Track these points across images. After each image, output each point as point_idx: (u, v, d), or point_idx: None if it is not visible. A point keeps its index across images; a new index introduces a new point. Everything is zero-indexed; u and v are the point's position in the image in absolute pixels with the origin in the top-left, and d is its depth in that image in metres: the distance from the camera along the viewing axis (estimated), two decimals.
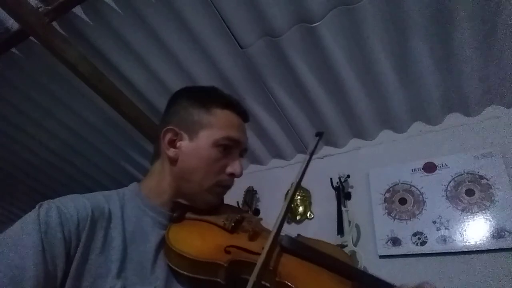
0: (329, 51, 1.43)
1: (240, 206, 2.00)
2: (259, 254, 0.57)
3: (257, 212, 2.01)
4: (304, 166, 0.73)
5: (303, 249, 0.63)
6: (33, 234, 0.54)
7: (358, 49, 1.43)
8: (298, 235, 0.78)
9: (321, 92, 1.64)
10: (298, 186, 0.71)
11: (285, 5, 1.31)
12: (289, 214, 1.92)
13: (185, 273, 0.61)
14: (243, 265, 0.60)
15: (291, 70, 1.55)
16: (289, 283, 0.57)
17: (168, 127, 0.73)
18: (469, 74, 1.45)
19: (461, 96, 1.56)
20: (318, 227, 1.82)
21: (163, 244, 0.66)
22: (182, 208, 0.72)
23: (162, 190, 0.73)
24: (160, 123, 0.78)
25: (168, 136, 0.73)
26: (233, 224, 0.69)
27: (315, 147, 0.79)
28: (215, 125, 0.72)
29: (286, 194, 1.97)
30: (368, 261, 1.56)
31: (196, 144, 0.71)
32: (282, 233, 0.65)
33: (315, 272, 0.61)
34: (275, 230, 0.60)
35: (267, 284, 0.58)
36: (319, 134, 0.83)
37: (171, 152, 0.72)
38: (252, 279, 0.51)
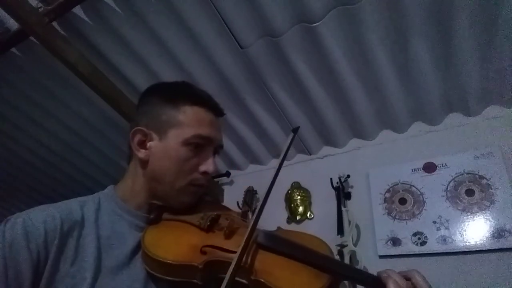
0: (329, 51, 1.43)
1: (240, 206, 2.00)
2: (234, 252, 0.57)
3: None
4: (278, 164, 0.72)
5: (280, 245, 0.62)
6: None
7: (358, 49, 1.43)
8: (278, 228, 0.77)
9: (321, 92, 1.64)
10: (273, 182, 0.70)
11: (285, 5, 1.31)
12: (289, 214, 1.92)
13: (162, 276, 0.61)
14: (220, 264, 0.60)
15: (291, 70, 1.55)
16: (264, 281, 0.57)
17: (136, 128, 0.71)
18: (469, 74, 1.45)
19: (461, 96, 1.56)
20: (318, 227, 1.82)
21: (140, 246, 0.65)
22: (158, 209, 0.71)
23: (136, 192, 0.72)
24: (130, 124, 0.76)
25: (137, 137, 0.71)
26: (208, 223, 0.68)
27: (291, 142, 0.76)
28: (184, 123, 0.70)
29: (286, 194, 1.97)
30: (368, 261, 1.56)
31: (166, 144, 0.70)
32: (263, 228, 0.64)
33: (292, 267, 0.61)
34: (249, 228, 0.59)
35: (244, 281, 0.58)
36: (295, 130, 0.81)
37: (141, 153, 0.71)
38: (226, 278, 0.51)
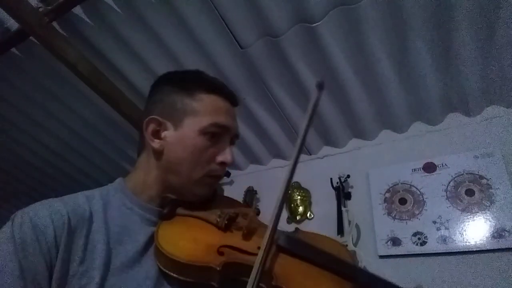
0: (329, 51, 1.43)
1: None
2: (254, 254, 0.54)
3: (257, 212, 2.01)
4: (303, 132, 0.60)
5: (301, 248, 0.59)
6: (9, 258, 0.51)
7: (358, 49, 1.43)
8: (296, 229, 0.74)
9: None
10: (296, 164, 0.60)
11: (285, 5, 1.31)
12: (289, 214, 1.92)
13: (175, 275, 0.57)
14: (238, 267, 0.56)
15: (291, 70, 1.55)
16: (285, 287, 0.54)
17: (150, 117, 0.67)
18: (469, 74, 1.45)
19: (461, 96, 1.56)
20: (318, 227, 1.82)
21: (152, 241, 0.62)
22: (172, 203, 0.67)
23: (148, 185, 0.68)
24: (143, 113, 0.73)
25: (151, 126, 0.67)
26: (226, 221, 0.64)
27: (317, 100, 0.62)
28: (200, 112, 0.66)
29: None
30: (368, 261, 1.56)
31: (182, 133, 0.66)
32: (281, 229, 0.61)
33: (314, 273, 0.57)
34: (270, 229, 0.56)
35: (264, 286, 0.54)
36: (320, 85, 0.63)
37: (155, 143, 0.67)
38: (250, 284, 0.48)
